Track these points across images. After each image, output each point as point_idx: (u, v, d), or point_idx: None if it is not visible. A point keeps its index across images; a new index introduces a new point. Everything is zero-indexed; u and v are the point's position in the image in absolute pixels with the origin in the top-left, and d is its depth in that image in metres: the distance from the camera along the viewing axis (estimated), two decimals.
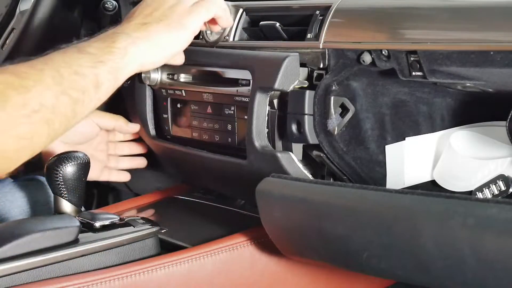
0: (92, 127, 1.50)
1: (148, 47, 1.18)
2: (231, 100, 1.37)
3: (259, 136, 1.28)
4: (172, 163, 1.59)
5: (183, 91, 1.47)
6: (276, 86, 1.25)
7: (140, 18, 1.21)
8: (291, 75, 1.26)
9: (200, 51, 1.41)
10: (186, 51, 1.31)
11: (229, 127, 1.38)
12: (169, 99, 1.52)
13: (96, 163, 1.54)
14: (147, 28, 1.19)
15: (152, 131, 1.55)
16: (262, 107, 1.28)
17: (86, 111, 1.11)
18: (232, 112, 1.37)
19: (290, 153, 1.27)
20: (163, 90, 1.52)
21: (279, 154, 1.26)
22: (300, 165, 1.27)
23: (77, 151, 1.31)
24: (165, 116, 1.53)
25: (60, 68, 1.07)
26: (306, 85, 1.27)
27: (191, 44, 1.41)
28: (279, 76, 1.25)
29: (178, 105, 1.50)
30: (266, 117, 1.28)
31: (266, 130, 1.31)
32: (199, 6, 1.25)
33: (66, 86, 1.07)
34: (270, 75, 1.26)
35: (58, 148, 1.41)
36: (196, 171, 1.54)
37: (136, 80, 1.52)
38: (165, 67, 1.49)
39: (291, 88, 1.26)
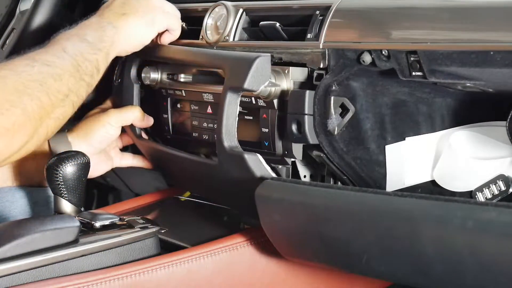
0: (116, 130, 1.49)
1: (127, 36, 1.37)
2: None
3: (228, 136, 1.27)
4: (155, 163, 1.59)
5: (183, 91, 1.47)
6: (245, 86, 1.24)
7: (119, 7, 1.38)
8: (261, 76, 1.24)
9: (178, 50, 1.41)
10: (166, 49, 1.41)
11: None
12: (168, 99, 1.52)
13: (108, 159, 1.54)
14: (126, 19, 1.36)
15: (138, 130, 1.54)
16: (232, 107, 1.26)
17: (90, 92, 1.30)
18: None
19: (258, 155, 1.25)
20: (163, 90, 1.52)
21: (246, 156, 1.24)
22: (268, 168, 1.25)
23: (77, 151, 1.30)
24: (165, 116, 1.53)
25: (75, 56, 1.26)
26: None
27: (182, 44, 1.43)
28: (248, 76, 1.23)
29: (178, 105, 1.51)
30: (237, 118, 1.27)
31: (266, 130, 1.30)
32: (170, 12, 1.43)
33: (81, 72, 1.26)
34: (240, 75, 1.25)
35: (88, 150, 1.40)
36: (174, 171, 1.54)
37: (124, 79, 1.52)
38: (165, 67, 1.49)
39: (261, 88, 1.25)
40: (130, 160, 1.59)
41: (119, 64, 1.56)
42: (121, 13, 1.37)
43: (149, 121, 1.52)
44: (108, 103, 1.58)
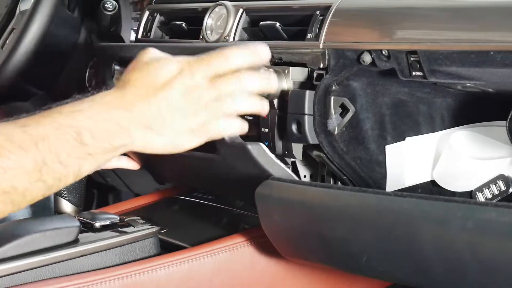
0: None
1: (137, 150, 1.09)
2: None
3: None
4: (143, 162, 1.58)
5: None
6: None
7: (144, 114, 1.06)
8: None
9: (175, 47, 1.41)
10: (164, 47, 1.34)
11: None
12: None
13: None
14: (146, 136, 1.07)
15: None
16: None
17: (54, 192, 1.09)
18: None
19: (261, 143, 1.24)
20: None
21: (249, 146, 1.23)
22: (273, 156, 1.23)
23: None
24: None
25: (48, 154, 1.00)
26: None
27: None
28: None
29: None
30: None
31: (266, 130, 1.30)
32: (229, 123, 1.11)
33: (44, 173, 1.00)
34: None
35: None
36: (177, 170, 1.54)
37: (106, 82, 1.51)
38: None
39: None
40: (114, 163, 1.54)
41: (90, 68, 1.55)
42: (145, 125, 1.05)
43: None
44: None
